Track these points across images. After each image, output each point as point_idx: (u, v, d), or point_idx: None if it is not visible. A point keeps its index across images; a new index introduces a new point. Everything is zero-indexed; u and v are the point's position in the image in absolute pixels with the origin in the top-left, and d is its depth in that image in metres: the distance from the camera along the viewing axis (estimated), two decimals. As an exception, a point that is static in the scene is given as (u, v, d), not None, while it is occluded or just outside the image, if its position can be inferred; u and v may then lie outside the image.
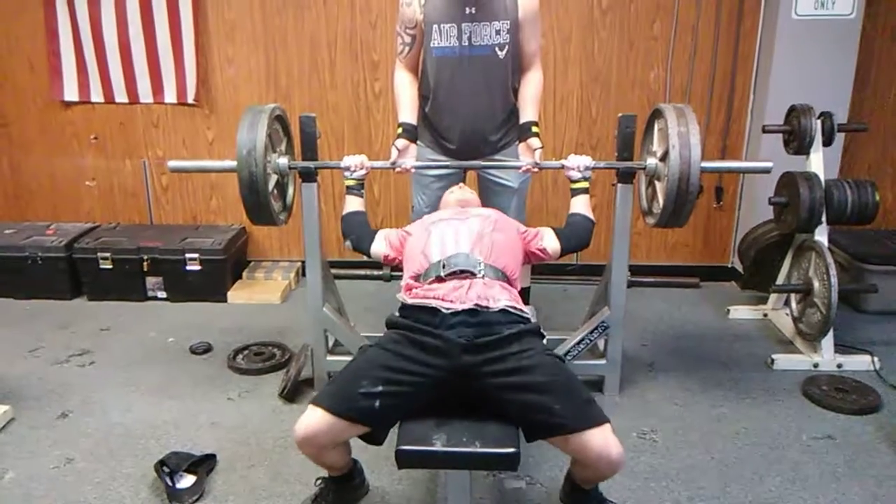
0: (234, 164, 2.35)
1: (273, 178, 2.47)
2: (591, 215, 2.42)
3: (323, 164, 2.61)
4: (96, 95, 3.84)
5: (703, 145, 2.30)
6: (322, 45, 3.74)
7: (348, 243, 2.40)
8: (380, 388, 1.71)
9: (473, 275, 1.95)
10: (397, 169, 2.59)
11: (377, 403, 1.70)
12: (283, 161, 2.52)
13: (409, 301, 1.94)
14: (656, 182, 2.48)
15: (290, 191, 2.69)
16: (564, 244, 2.31)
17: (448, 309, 1.84)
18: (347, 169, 2.44)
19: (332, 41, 3.73)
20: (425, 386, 1.75)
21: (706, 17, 3.63)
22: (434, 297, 1.89)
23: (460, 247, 2.03)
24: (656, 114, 2.48)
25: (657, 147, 2.46)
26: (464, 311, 1.83)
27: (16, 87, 3.89)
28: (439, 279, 1.96)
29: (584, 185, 2.43)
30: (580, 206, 2.43)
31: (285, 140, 2.60)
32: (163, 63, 3.75)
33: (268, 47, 3.76)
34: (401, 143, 2.63)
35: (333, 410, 1.70)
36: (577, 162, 2.41)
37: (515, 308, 1.91)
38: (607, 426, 1.66)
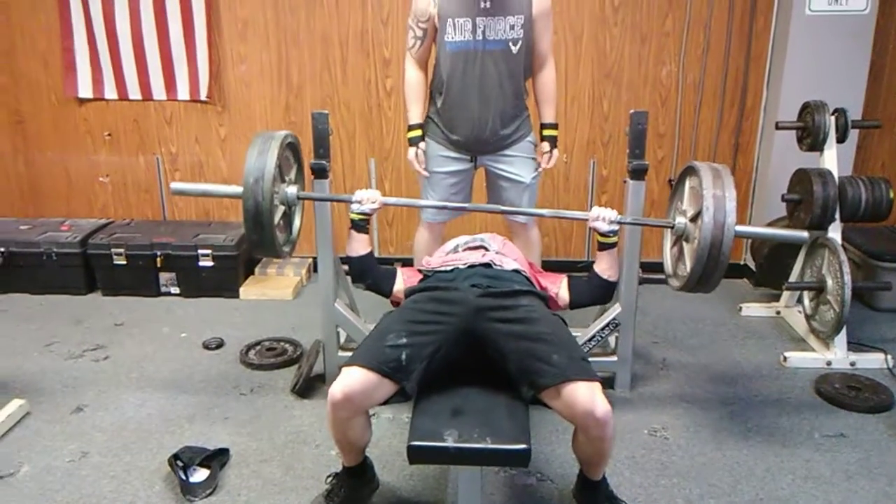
0: (239, 189, 2.17)
1: (280, 210, 2.29)
2: (614, 274, 2.26)
3: (333, 197, 2.51)
4: (110, 92, 3.86)
5: (738, 207, 2.05)
6: (334, 43, 3.74)
7: (361, 286, 2.35)
8: (404, 340, 1.83)
9: (487, 250, 2.23)
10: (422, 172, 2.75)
11: (403, 355, 1.80)
12: (292, 190, 2.34)
13: (428, 268, 2.18)
14: (684, 243, 2.29)
15: (297, 222, 2.48)
16: (575, 299, 2.26)
17: (465, 264, 2.08)
18: (358, 202, 2.27)
19: (343, 38, 3.74)
20: (445, 334, 1.87)
21: (719, 12, 3.61)
22: (451, 260, 2.15)
23: (476, 237, 2.32)
24: (689, 171, 2.28)
25: (687, 206, 2.27)
26: (479, 265, 2.06)
27: (30, 84, 3.92)
28: (456, 252, 2.24)
29: (613, 240, 2.23)
30: (604, 263, 2.24)
31: (295, 167, 2.42)
32: (176, 60, 3.78)
33: (280, 44, 3.77)
34: (422, 144, 2.77)
35: (366, 365, 1.77)
36: (603, 214, 2.20)
37: (526, 273, 2.15)
38: (597, 384, 1.72)
